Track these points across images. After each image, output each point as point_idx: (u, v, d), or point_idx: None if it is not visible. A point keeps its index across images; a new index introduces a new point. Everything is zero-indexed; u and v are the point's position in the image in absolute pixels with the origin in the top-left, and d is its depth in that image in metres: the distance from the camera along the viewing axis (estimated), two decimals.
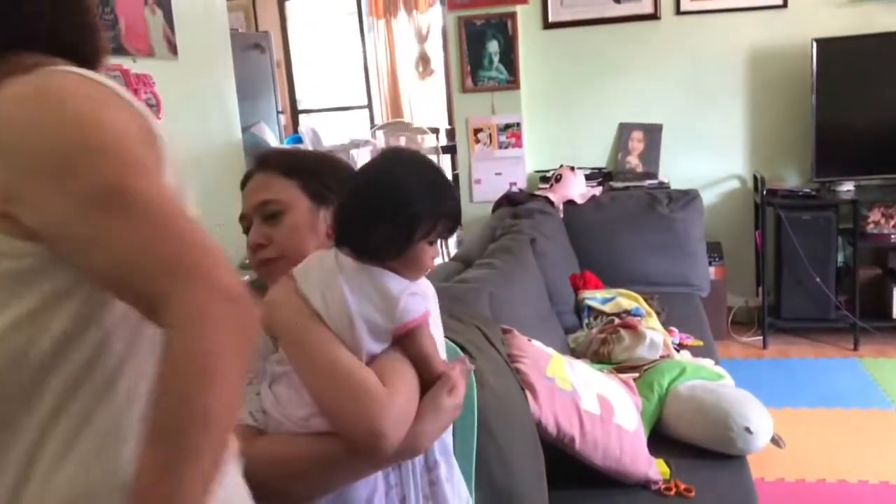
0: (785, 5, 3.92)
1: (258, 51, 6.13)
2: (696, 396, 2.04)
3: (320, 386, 1.03)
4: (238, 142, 4.87)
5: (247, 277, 3.81)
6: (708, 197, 3.99)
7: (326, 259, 1.10)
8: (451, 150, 6.53)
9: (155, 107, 3.76)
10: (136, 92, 3.69)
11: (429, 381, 1.09)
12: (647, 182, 3.99)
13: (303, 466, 1.04)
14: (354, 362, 1.04)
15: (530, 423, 1.67)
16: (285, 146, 6.02)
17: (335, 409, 1.02)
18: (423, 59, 7.90)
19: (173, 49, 4.18)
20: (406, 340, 1.07)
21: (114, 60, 3.67)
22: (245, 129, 4.97)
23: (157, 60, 4.03)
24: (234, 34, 5.16)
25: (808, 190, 3.82)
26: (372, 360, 1.06)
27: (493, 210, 3.74)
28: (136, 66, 3.83)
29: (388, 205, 1.06)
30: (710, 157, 4.14)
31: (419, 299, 1.08)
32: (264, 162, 1.28)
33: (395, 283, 1.07)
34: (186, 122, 4.27)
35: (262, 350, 1.17)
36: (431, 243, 1.11)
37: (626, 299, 2.89)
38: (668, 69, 4.13)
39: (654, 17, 4.08)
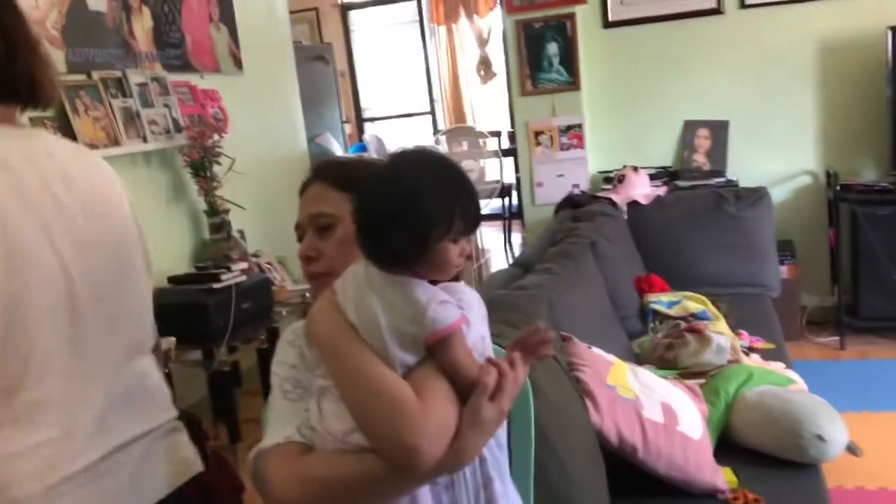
0: None
1: (322, 62, 6.24)
2: (764, 403, 1.98)
3: (354, 400, 1.03)
4: (304, 152, 4.96)
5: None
6: (778, 194, 3.87)
7: (358, 272, 1.09)
8: (513, 153, 6.52)
9: (222, 120, 3.86)
10: (203, 107, 3.80)
11: (467, 391, 1.05)
12: (715, 180, 3.90)
13: (345, 487, 1.04)
14: (388, 375, 1.02)
15: (591, 432, 1.65)
16: (342, 156, 6.08)
17: (369, 424, 1.02)
18: (485, 63, 7.90)
19: (239, 64, 4.29)
20: (438, 350, 1.04)
21: (182, 77, 3.79)
22: (311, 140, 5.07)
23: (224, 76, 4.14)
24: (297, 47, 5.26)
25: (885, 184, 3.67)
26: (408, 373, 1.05)
27: (555, 213, 3.71)
28: (203, 81, 3.94)
29: (397, 208, 1.03)
30: (780, 153, 4.02)
31: (450, 307, 1.05)
32: (319, 172, 1.29)
33: (422, 291, 1.04)
34: (253, 135, 4.37)
35: (312, 364, 1.19)
36: (455, 241, 1.06)
37: (692, 302, 2.82)
38: (734, 64, 4.03)
39: (717, 11, 3.99)
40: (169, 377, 3.21)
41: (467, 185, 1.09)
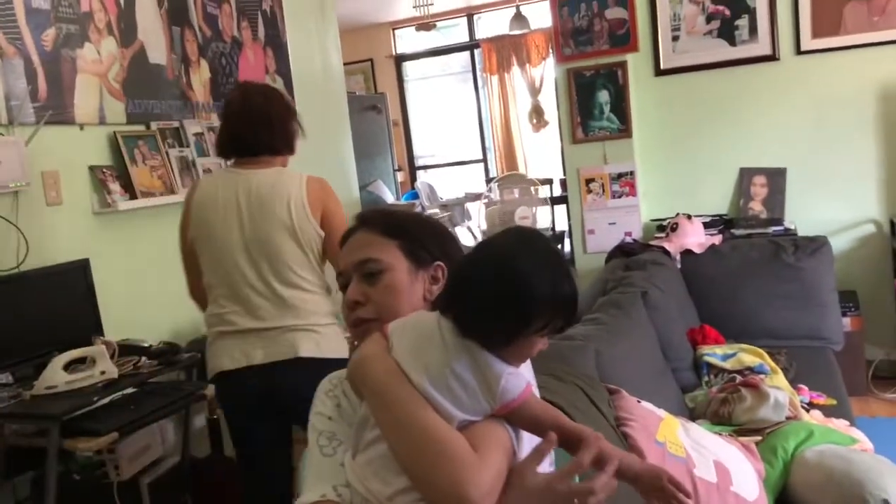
0: None
1: (375, 111, 6.34)
2: (825, 463, 1.88)
3: (409, 449, 1.01)
4: (356, 200, 5.01)
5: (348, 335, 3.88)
6: (839, 243, 3.75)
7: (427, 324, 1.08)
8: (564, 200, 6.48)
9: None
10: None
11: (569, 441, 1.05)
12: (772, 229, 3.80)
13: None
14: (445, 426, 1.01)
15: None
16: (385, 205, 6.12)
17: (424, 474, 0.99)
18: (537, 111, 7.93)
19: None
20: (514, 418, 1.05)
21: None
22: (363, 188, 5.12)
23: None
24: (351, 97, 5.35)
25: None
26: (463, 429, 1.03)
27: (606, 261, 3.65)
28: None
29: (510, 298, 1.01)
30: (841, 201, 3.90)
31: (519, 378, 1.05)
32: (365, 221, 1.29)
33: (496, 361, 1.04)
34: None
35: (349, 414, 1.16)
36: (543, 335, 1.06)
37: (748, 355, 2.72)
38: (790, 111, 3.96)
39: (772, 58, 3.93)
40: (217, 423, 3.23)
41: (573, 281, 1.06)
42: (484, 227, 6.44)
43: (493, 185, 7.24)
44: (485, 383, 1.02)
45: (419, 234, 1.27)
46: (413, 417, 1.01)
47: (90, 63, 3.05)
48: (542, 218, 6.08)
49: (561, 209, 6.48)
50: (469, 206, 7.17)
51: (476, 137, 8.42)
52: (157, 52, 3.41)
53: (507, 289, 1.01)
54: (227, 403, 2.41)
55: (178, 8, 3.55)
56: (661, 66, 4.13)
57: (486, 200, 6.97)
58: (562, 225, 6.50)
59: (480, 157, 8.43)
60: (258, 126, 2.32)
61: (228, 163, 2.40)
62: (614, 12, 4.01)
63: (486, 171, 8.35)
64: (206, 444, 3.28)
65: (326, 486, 1.10)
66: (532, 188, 6.19)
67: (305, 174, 2.37)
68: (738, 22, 3.99)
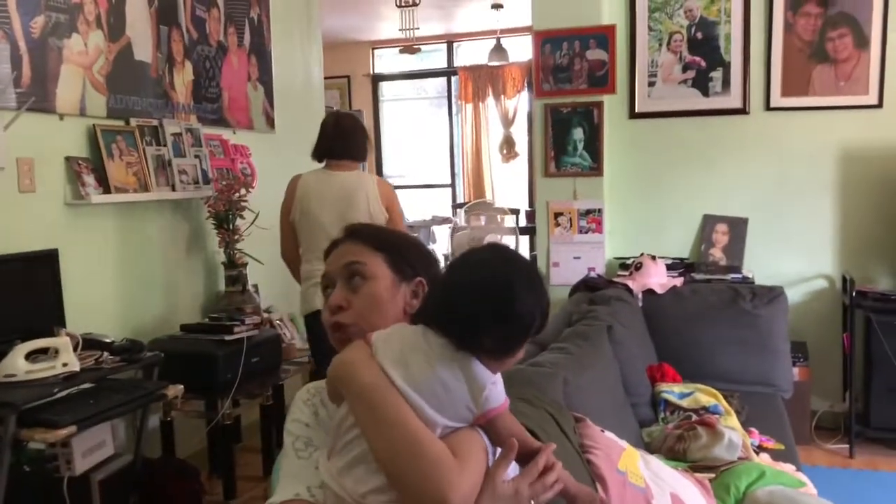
0: (880, 105, 3.86)
1: None
2: (775, 502, 1.95)
3: (391, 451, 1.03)
4: None
5: None
6: (793, 295, 3.88)
7: (411, 335, 1.11)
8: (530, 231, 6.58)
9: (250, 175, 3.94)
10: (233, 161, 3.88)
11: (527, 457, 1.11)
12: (731, 276, 3.91)
13: None
14: (428, 432, 1.04)
15: None
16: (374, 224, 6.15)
17: (403, 475, 1.02)
18: (508, 142, 8.05)
19: (271, 123, 4.39)
20: (490, 427, 1.09)
21: (215, 130, 3.88)
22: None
23: (256, 132, 4.24)
24: (328, 111, 5.37)
25: None
26: (444, 436, 1.07)
27: (570, 294, 3.72)
28: (235, 136, 4.04)
29: (508, 316, 1.07)
30: (797, 255, 4.05)
31: (500, 388, 1.10)
32: (354, 232, 1.33)
33: (483, 372, 1.08)
34: (278, 192, 4.43)
35: (326, 422, 1.19)
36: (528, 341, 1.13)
37: (704, 395, 2.80)
38: (756, 163, 4.10)
39: (742, 111, 4.07)
40: (170, 425, 3.21)
41: (546, 289, 1.15)
42: (449, 251, 6.49)
43: (461, 211, 7.32)
44: (469, 391, 1.06)
45: (404, 249, 1.31)
46: (397, 419, 1.04)
47: (76, 54, 3.04)
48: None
49: (524, 240, 6.58)
50: (435, 229, 7.22)
51: (446, 162, 8.50)
52: (143, 50, 3.41)
53: (507, 304, 1.07)
54: (316, 333, 3.16)
55: (167, 8, 3.56)
56: (636, 110, 4.24)
57: (452, 225, 7.03)
58: (526, 255, 6.58)
59: (449, 181, 8.51)
60: (345, 141, 3.30)
61: (321, 165, 3.37)
62: (595, 53, 4.12)
63: (454, 196, 8.43)
64: (158, 446, 3.25)
65: (300, 487, 1.13)
66: (499, 216, 6.27)
67: (375, 176, 3.50)
68: (712, 74, 4.13)
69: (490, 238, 5.61)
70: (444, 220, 7.11)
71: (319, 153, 3.35)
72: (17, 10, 2.79)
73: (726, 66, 4.09)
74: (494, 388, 1.08)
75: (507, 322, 1.07)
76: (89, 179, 3.05)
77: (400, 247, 1.31)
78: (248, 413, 3.75)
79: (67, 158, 3.02)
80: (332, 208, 3.22)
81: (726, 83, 4.10)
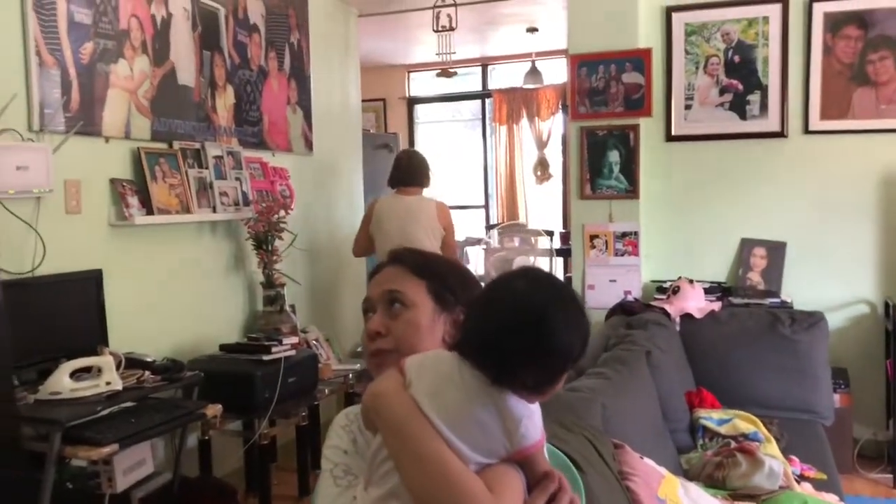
0: None
1: (386, 150, 6.42)
2: None
3: (425, 486, 1.01)
4: None
5: (358, 366, 3.91)
6: (833, 320, 3.81)
7: (446, 365, 1.08)
8: (564, 253, 6.56)
9: (289, 197, 3.99)
10: (272, 183, 3.93)
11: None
12: (769, 300, 3.87)
13: None
14: (463, 468, 1.02)
15: None
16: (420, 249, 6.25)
17: None
18: (542, 164, 8.05)
19: (309, 146, 4.45)
20: (525, 464, 1.06)
21: (255, 153, 3.95)
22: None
23: (294, 155, 4.31)
24: (365, 134, 5.44)
25: None
26: (478, 471, 1.04)
27: (607, 318, 3.70)
28: (274, 159, 4.10)
29: (546, 351, 1.01)
30: (837, 279, 3.99)
31: (536, 422, 1.06)
32: (398, 258, 1.31)
33: (519, 407, 1.04)
34: (315, 214, 4.50)
35: (364, 449, 1.18)
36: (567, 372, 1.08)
37: (743, 422, 2.77)
38: (795, 187, 4.06)
39: (781, 134, 4.04)
40: (208, 444, 3.24)
41: (586, 316, 1.08)
42: (482, 272, 6.50)
43: (493, 232, 7.32)
44: (504, 428, 1.03)
45: (447, 277, 1.29)
46: (430, 454, 1.01)
47: (122, 79, 3.12)
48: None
49: (559, 262, 6.56)
50: (468, 249, 7.23)
51: (480, 184, 8.53)
52: (187, 74, 3.49)
53: (542, 339, 1.01)
54: None
55: (210, 33, 3.64)
56: (672, 133, 4.23)
57: (484, 246, 7.04)
58: (560, 277, 6.56)
59: (482, 203, 8.53)
60: (413, 173, 4.23)
61: (393, 190, 4.22)
62: (631, 77, 4.12)
63: (487, 217, 8.45)
64: (196, 465, 3.28)
65: None
66: (533, 238, 6.26)
67: (434, 199, 4.26)
68: (749, 97, 4.11)
69: (522, 261, 5.61)
70: (477, 241, 7.12)
71: (393, 181, 4.22)
72: (68, 37, 2.87)
73: (764, 90, 4.07)
74: (531, 423, 1.04)
75: (543, 357, 1.01)
76: (133, 201, 3.12)
77: (443, 274, 1.29)
78: (283, 433, 3.77)
79: (112, 180, 3.09)
80: (397, 224, 4.06)
81: (764, 106, 4.08)
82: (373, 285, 1.30)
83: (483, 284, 1.23)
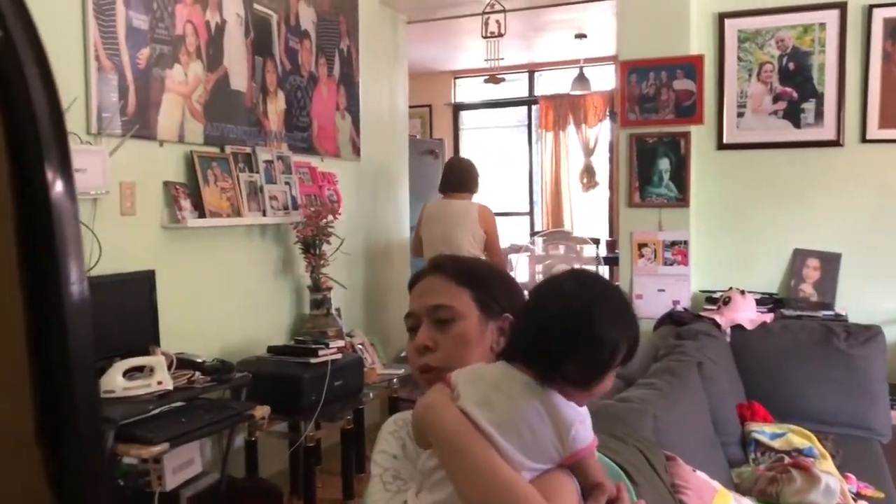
0: None
1: (432, 156, 6.44)
2: None
3: (479, 497, 1.01)
4: (406, 240, 5.08)
5: (402, 371, 3.91)
6: (892, 334, 3.70)
7: (494, 374, 1.09)
8: (610, 261, 6.50)
9: (336, 202, 4.02)
10: (320, 188, 3.96)
11: None
12: (822, 313, 3.78)
13: None
14: (516, 476, 1.02)
15: None
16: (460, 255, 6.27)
17: None
18: (589, 171, 7.99)
19: (357, 151, 4.48)
20: (576, 468, 1.06)
21: (304, 158, 3.98)
22: (413, 229, 5.18)
23: (342, 160, 4.34)
24: (411, 140, 5.46)
25: None
26: (532, 479, 1.04)
27: (655, 328, 3.65)
28: (322, 164, 4.13)
29: (589, 340, 1.03)
30: (894, 292, 3.87)
31: (588, 427, 1.06)
32: (439, 266, 1.30)
33: (569, 410, 1.04)
34: (362, 219, 4.53)
35: (413, 455, 1.18)
36: (615, 369, 1.09)
37: (798, 437, 2.70)
38: (850, 197, 3.96)
39: (836, 143, 3.95)
40: (254, 445, 3.27)
41: (636, 319, 1.09)
42: (525, 279, 6.47)
43: (537, 239, 7.29)
44: (556, 432, 1.03)
45: (491, 284, 1.27)
46: (482, 464, 1.01)
47: (177, 84, 3.18)
48: None
49: (604, 270, 6.50)
50: (512, 257, 7.20)
51: (524, 191, 8.50)
52: (239, 80, 3.54)
53: (588, 335, 1.03)
54: None
55: (262, 39, 3.69)
56: (724, 141, 4.16)
57: (529, 254, 7.01)
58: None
59: (527, 210, 8.49)
60: (460, 179, 4.35)
61: (441, 196, 4.39)
62: (682, 84, 4.07)
63: (532, 224, 8.41)
64: (242, 465, 3.32)
65: None
66: (578, 246, 6.22)
67: (478, 203, 4.34)
68: (804, 105, 4.02)
69: (562, 267, 5.58)
70: (522, 249, 7.09)
71: (441, 187, 4.40)
72: (126, 43, 2.94)
73: (819, 97, 3.98)
74: (582, 426, 1.04)
75: (587, 348, 1.03)
76: (186, 204, 3.17)
77: (486, 281, 1.28)
78: (328, 436, 3.79)
79: (166, 183, 3.14)
80: (440, 228, 4.21)
81: (819, 114, 3.99)
82: (415, 297, 1.29)
83: (526, 292, 1.23)
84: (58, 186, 0.44)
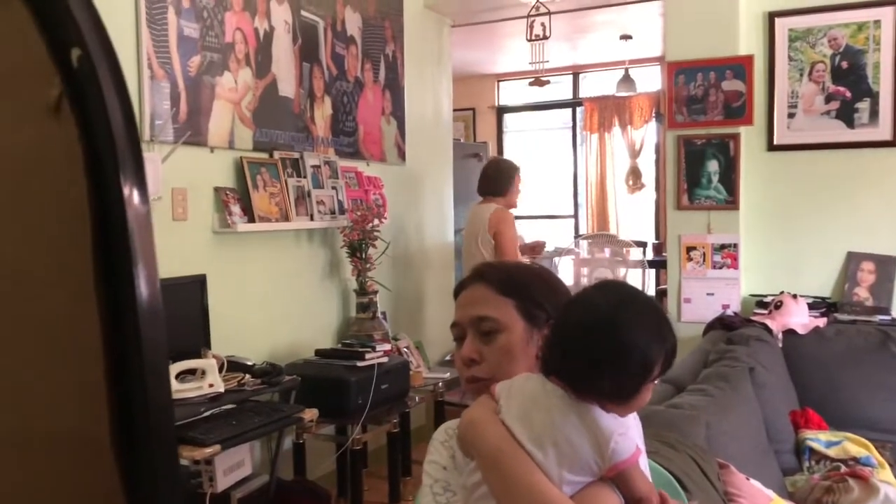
0: None
1: (476, 159, 6.44)
2: None
3: None
4: (451, 244, 5.09)
5: (447, 374, 3.91)
6: None
7: (533, 387, 1.09)
8: (657, 264, 6.42)
9: (382, 206, 4.04)
10: (366, 192, 3.99)
11: None
12: (878, 317, 3.68)
13: None
14: (557, 494, 1.01)
15: None
16: (502, 260, 6.24)
17: None
18: (634, 173, 7.92)
19: (402, 155, 4.50)
20: (619, 480, 1.04)
21: (350, 163, 4.01)
22: (458, 232, 5.19)
23: (388, 165, 4.36)
24: (455, 143, 5.47)
25: None
26: (574, 493, 1.03)
27: (704, 333, 3.60)
28: (368, 169, 4.16)
29: (614, 349, 1.02)
30: None
31: (629, 438, 1.04)
32: (481, 275, 1.28)
33: (608, 421, 1.03)
34: (406, 222, 4.55)
35: (462, 466, 1.18)
36: (654, 381, 1.08)
37: (854, 445, 2.63)
38: None
39: (892, 144, 3.85)
40: (302, 447, 3.31)
41: (671, 326, 1.08)
42: (570, 282, 6.43)
43: (582, 242, 7.23)
44: (595, 444, 1.02)
45: (535, 292, 1.26)
46: (525, 481, 1.01)
47: (227, 91, 3.23)
48: (632, 281, 6.04)
49: (651, 273, 6.42)
50: (556, 260, 7.16)
51: (569, 193, 8.44)
52: (287, 86, 3.58)
53: (613, 340, 1.02)
54: None
55: (310, 46, 3.73)
56: (775, 142, 4.08)
57: (573, 257, 6.96)
58: (651, 290, 6.44)
59: (572, 213, 8.44)
60: (486, 181, 4.24)
61: (480, 199, 4.28)
62: (731, 84, 4.01)
63: (577, 227, 8.36)
64: (290, 467, 3.35)
65: None
66: (624, 249, 6.16)
67: (495, 206, 4.12)
68: (858, 105, 3.93)
69: (599, 273, 5.54)
70: (568, 252, 7.04)
71: (479, 189, 4.33)
72: (177, 51, 2.99)
73: (874, 97, 3.88)
74: (623, 438, 1.03)
75: (615, 358, 1.02)
76: (236, 209, 3.22)
77: (529, 288, 1.26)
78: (374, 439, 3.81)
79: (216, 189, 3.20)
80: (465, 232, 4.25)
81: (874, 114, 3.89)
82: (459, 307, 1.28)
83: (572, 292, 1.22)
84: (134, 197, 0.45)
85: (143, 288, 0.47)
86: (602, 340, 1.02)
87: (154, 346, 0.48)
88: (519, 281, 1.27)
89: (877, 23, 3.86)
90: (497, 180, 4.18)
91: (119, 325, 0.47)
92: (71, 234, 0.46)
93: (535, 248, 4.83)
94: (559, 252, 7.01)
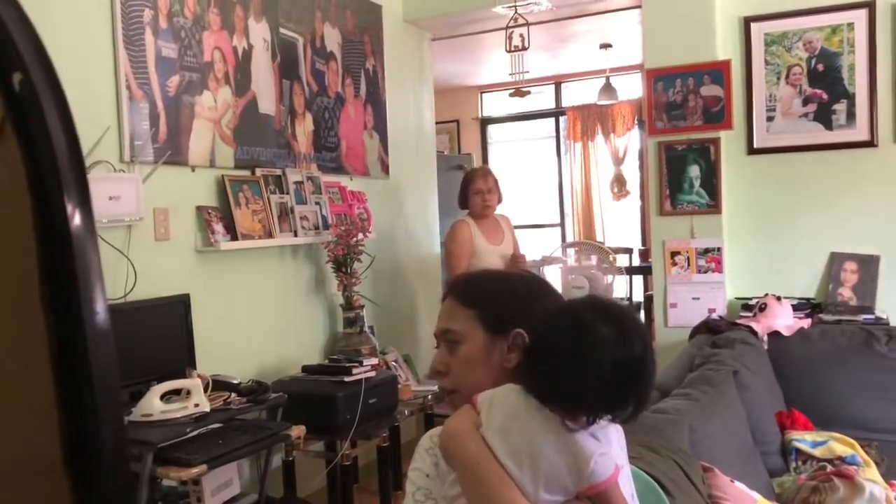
0: None
1: (461, 171, 6.44)
2: None
3: None
4: (437, 256, 5.09)
5: (436, 388, 3.90)
6: None
7: (513, 401, 1.09)
8: (643, 270, 6.44)
9: (366, 220, 4.04)
10: (350, 207, 3.99)
11: None
12: (862, 317, 3.70)
13: None
14: None
15: None
16: (473, 272, 6.23)
17: None
18: (619, 181, 7.95)
19: (386, 169, 4.51)
20: (597, 500, 1.05)
21: (334, 178, 4.02)
22: (443, 244, 5.20)
23: (371, 179, 4.37)
24: (439, 156, 5.48)
25: None
26: None
27: (690, 337, 3.61)
28: (351, 183, 4.16)
29: (612, 379, 1.03)
30: None
31: (608, 459, 1.05)
32: (451, 288, 1.32)
33: (587, 441, 1.04)
34: (392, 236, 4.55)
35: (445, 473, 1.19)
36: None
37: (840, 444, 2.64)
38: (886, 198, 3.89)
39: (870, 144, 3.89)
40: (291, 465, 3.29)
41: (641, 333, 1.09)
42: (559, 290, 6.43)
43: (569, 250, 7.24)
44: (574, 464, 1.03)
45: (499, 301, 1.26)
46: (500, 498, 1.02)
47: (206, 109, 3.23)
48: (619, 287, 6.06)
49: (638, 280, 6.45)
50: (544, 269, 7.18)
51: (555, 202, 8.47)
52: (268, 103, 3.59)
53: (613, 375, 1.03)
54: None
55: (289, 63, 3.74)
56: (755, 145, 4.12)
57: (560, 265, 6.97)
58: (638, 296, 6.46)
59: (558, 221, 8.47)
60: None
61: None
62: (710, 90, 4.04)
63: (563, 235, 8.38)
64: (280, 485, 3.33)
65: None
66: (610, 256, 6.18)
67: (455, 220, 4.19)
68: (835, 106, 3.97)
69: (575, 280, 5.55)
70: (555, 261, 7.06)
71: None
72: (156, 71, 3.00)
73: (851, 98, 3.93)
74: (602, 459, 1.03)
75: (576, 361, 1.03)
76: (218, 227, 3.21)
77: (492, 297, 1.26)
78: (364, 454, 3.80)
79: (198, 208, 3.19)
80: None
81: (851, 115, 3.94)
82: (438, 320, 1.31)
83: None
84: (77, 219, 0.45)
85: (89, 307, 0.47)
86: (567, 343, 1.05)
87: (103, 365, 0.48)
88: (481, 291, 1.29)
89: (850, 25, 3.91)
90: (460, 194, 4.25)
91: (67, 344, 0.47)
92: (15, 255, 0.46)
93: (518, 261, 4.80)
94: (546, 261, 7.02)
